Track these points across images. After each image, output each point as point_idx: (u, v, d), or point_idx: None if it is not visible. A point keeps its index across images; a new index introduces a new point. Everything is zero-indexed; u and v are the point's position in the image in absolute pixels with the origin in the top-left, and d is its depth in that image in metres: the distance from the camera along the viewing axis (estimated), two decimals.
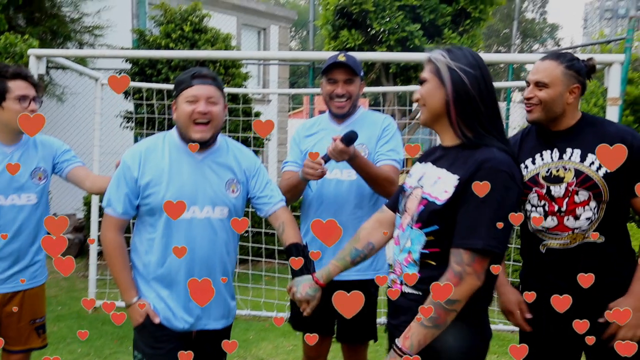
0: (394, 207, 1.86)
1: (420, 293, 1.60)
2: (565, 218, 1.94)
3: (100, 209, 4.56)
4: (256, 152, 1.78)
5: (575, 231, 1.94)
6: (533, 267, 2.08)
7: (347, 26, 8.08)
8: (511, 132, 6.56)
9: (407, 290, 1.65)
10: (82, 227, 7.41)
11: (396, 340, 1.58)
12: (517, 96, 9.86)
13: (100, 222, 4.61)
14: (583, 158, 1.93)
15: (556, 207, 1.96)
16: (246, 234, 5.28)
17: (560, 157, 1.98)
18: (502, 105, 6.26)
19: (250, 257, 5.27)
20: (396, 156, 2.42)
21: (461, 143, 1.64)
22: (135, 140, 6.38)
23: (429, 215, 1.59)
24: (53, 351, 3.80)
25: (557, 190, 1.96)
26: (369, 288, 2.30)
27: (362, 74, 2.47)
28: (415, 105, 9.44)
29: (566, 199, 1.94)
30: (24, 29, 7.17)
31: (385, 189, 2.33)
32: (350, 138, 2.09)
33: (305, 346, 2.60)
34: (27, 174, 2.41)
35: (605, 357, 1.90)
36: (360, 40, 7.94)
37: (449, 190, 1.57)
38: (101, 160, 4.99)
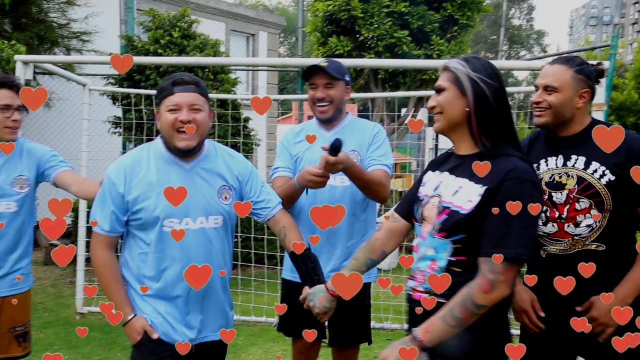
0: (407, 215, 1.88)
1: (445, 300, 1.60)
2: (566, 225, 1.94)
3: (88, 215, 4.53)
4: (245, 157, 1.77)
5: (575, 238, 1.94)
6: (534, 272, 2.07)
7: (335, 32, 8.10)
8: None
9: (439, 300, 1.64)
10: (69, 234, 7.34)
11: (415, 330, 1.59)
12: None
13: (88, 228, 4.60)
14: (587, 165, 1.92)
15: (557, 214, 1.96)
16: (235, 239, 5.27)
17: (564, 164, 1.97)
18: None
19: (239, 262, 5.25)
20: (387, 161, 2.45)
21: (479, 152, 1.66)
22: (124, 146, 6.34)
23: (454, 224, 1.61)
24: (39, 358, 3.76)
25: (559, 197, 1.95)
26: (362, 291, 2.30)
27: (347, 78, 2.48)
28: (403, 110, 9.52)
29: (567, 206, 1.94)
30: (10, 34, 7.10)
31: (378, 194, 2.36)
32: (335, 147, 2.05)
33: (294, 351, 2.60)
34: (7, 181, 2.38)
35: (603, 356, 1.91)
36: (349, 47, 7.97)
37: (473, 200, 1.59)
38: (89, 166, 4.98)
